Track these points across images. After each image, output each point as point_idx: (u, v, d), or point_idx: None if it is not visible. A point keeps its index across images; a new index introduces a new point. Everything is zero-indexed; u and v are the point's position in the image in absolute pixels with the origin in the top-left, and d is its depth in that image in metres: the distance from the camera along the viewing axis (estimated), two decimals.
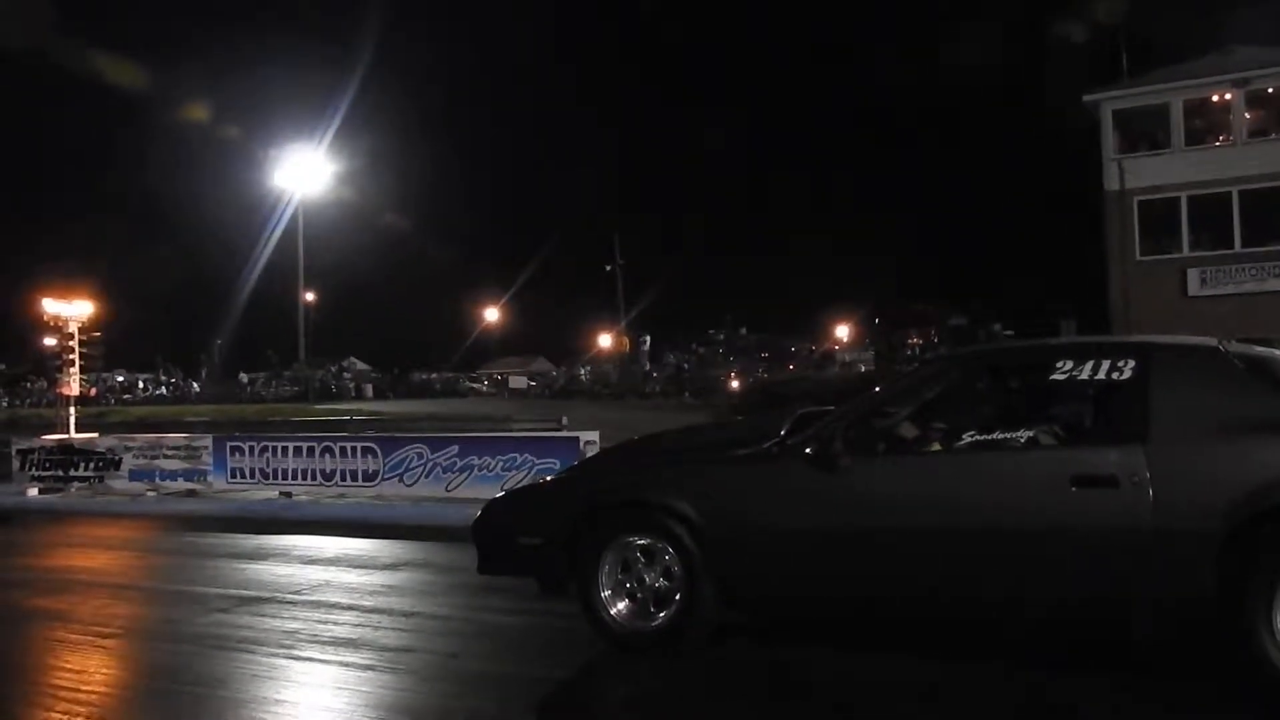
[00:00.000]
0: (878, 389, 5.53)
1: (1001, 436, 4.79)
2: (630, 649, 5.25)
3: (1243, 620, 4.18)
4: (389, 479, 12.77)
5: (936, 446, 4.98)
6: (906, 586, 4.84)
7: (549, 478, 7.88)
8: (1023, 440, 4.74)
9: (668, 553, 5.16)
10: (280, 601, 7.04)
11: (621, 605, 5.29)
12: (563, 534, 5.39)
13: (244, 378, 70.85)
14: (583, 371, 72.66)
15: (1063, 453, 4.69)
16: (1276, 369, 4.69)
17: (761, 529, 4.99)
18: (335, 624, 6.30)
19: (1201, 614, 4.30)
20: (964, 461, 4.83)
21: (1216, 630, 4.29)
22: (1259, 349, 4.88)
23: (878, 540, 4.78)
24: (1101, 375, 4.73)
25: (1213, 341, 4.84)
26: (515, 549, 5.64)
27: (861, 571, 4.89)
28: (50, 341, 17.27)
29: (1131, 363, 4.68)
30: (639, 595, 5.27)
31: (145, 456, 14.78)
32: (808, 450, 4.93)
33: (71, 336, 16.47)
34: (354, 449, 13.14)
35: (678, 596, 5.14)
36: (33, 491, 15.20)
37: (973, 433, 4.86)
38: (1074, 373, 4.79)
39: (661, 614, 5.20)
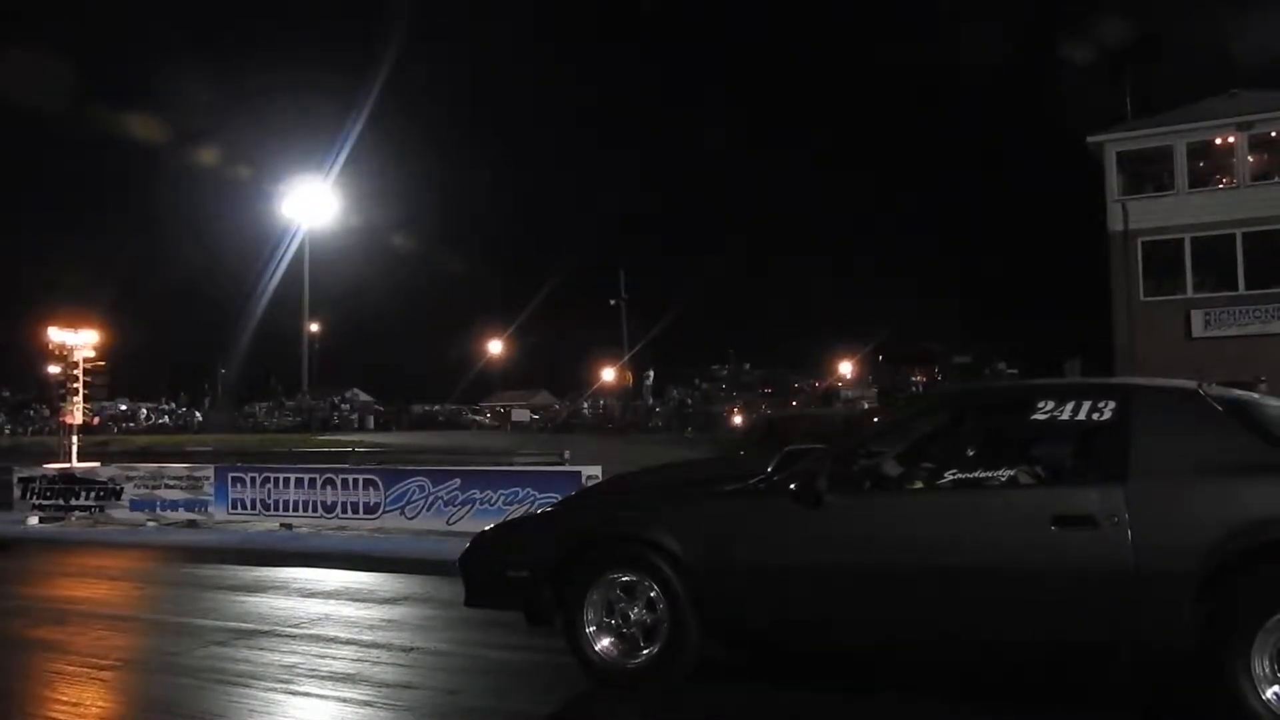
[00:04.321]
0: (865, 427, 5.60)
1: (982, 476, 4.86)
2: (613, 686, 5.25)
3: (1221, 662, 4.21)
4: (390, 512, 12.79)
5: (919, 485, 5.04)
6: (888, 624, 4.88)
7: (537, 511, 7.90)
8: (1003, 479, 4.81)
9: (652, 589, 5.19)
10: (279, 635, 7.06)
11: (606, 641, 5.31)
12: (548, 568, 5.42)
13: (248, 408, 70.83)
14: (586, 405, 72.50)
15: (1042, 492, 4.75)
16: (1255, 412, 4.75)
17: (746, 565, 5.03)
18: (334, 659, 6.30)
19: (1180, 656, 4.34)
20: (945, 500, 4.89)
21: (1195, 672, 4.32)
22: (1237, 391, 4.95)
23: (860, 577, 4.83)
24: (1082, 416, 4.79)
25: (1192, 384, 4.91)
26: (502, 582, 5.64)
27: (843, 608, 4.92)
28: (55, 370, 17.35)
29: (1111, 404, 4.75)
30: (624, 631, 5.28)
31: (146, 486, 14.81)
32: (792, 486, 4.99)
33: (76, 365, 16.53)
34: (355, 481, 13.17)
35: (663, 631, 5.16)
36: (33, 520, 15.23)
37: (955, 471, 4.93)
38: (1055, 413, 4.86)
39: (645, 651, 5.22)
